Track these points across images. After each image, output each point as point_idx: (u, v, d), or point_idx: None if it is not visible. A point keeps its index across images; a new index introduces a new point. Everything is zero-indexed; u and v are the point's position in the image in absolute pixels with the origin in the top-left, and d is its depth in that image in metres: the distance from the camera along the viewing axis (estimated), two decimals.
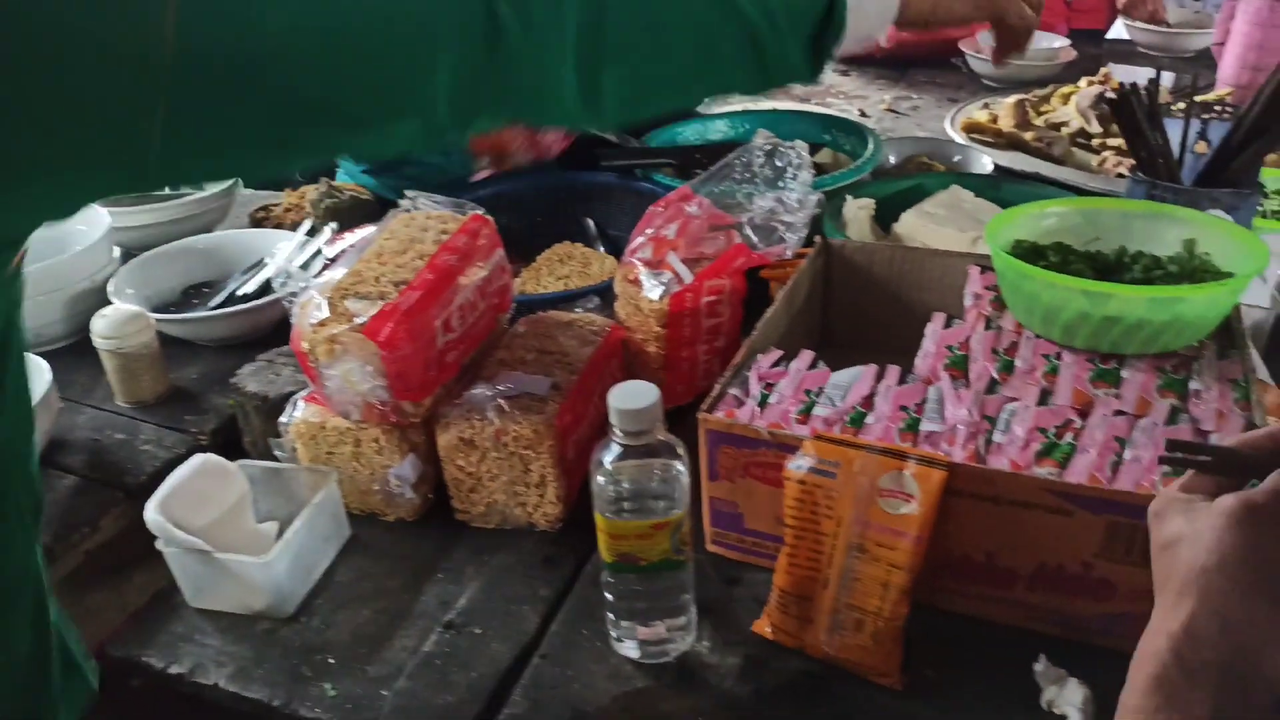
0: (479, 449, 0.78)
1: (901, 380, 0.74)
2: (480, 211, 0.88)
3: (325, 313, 0.74)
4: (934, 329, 0.81)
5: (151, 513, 0.72)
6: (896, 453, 0.62)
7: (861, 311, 0.97)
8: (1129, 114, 1.08)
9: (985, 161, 1.35)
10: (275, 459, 0.84)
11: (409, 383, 0.76)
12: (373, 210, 1.24)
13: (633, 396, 0.58)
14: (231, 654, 0.72)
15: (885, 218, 1.15)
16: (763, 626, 0.67)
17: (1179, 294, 0.69)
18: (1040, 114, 1.62)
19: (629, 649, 0.67)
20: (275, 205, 1.30)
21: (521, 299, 0.97)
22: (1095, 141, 1.50)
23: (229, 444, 0.90)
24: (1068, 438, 0.65)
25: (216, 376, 0.99)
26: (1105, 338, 0.72)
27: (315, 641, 0.72)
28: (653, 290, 0.89)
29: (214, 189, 1.29)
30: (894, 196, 1.17)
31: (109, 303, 1.00)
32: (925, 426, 0.68)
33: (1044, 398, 0.70)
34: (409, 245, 0.82)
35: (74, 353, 1.01)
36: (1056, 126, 1.56)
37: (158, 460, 0.87)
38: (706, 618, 0.70)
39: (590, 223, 1.22)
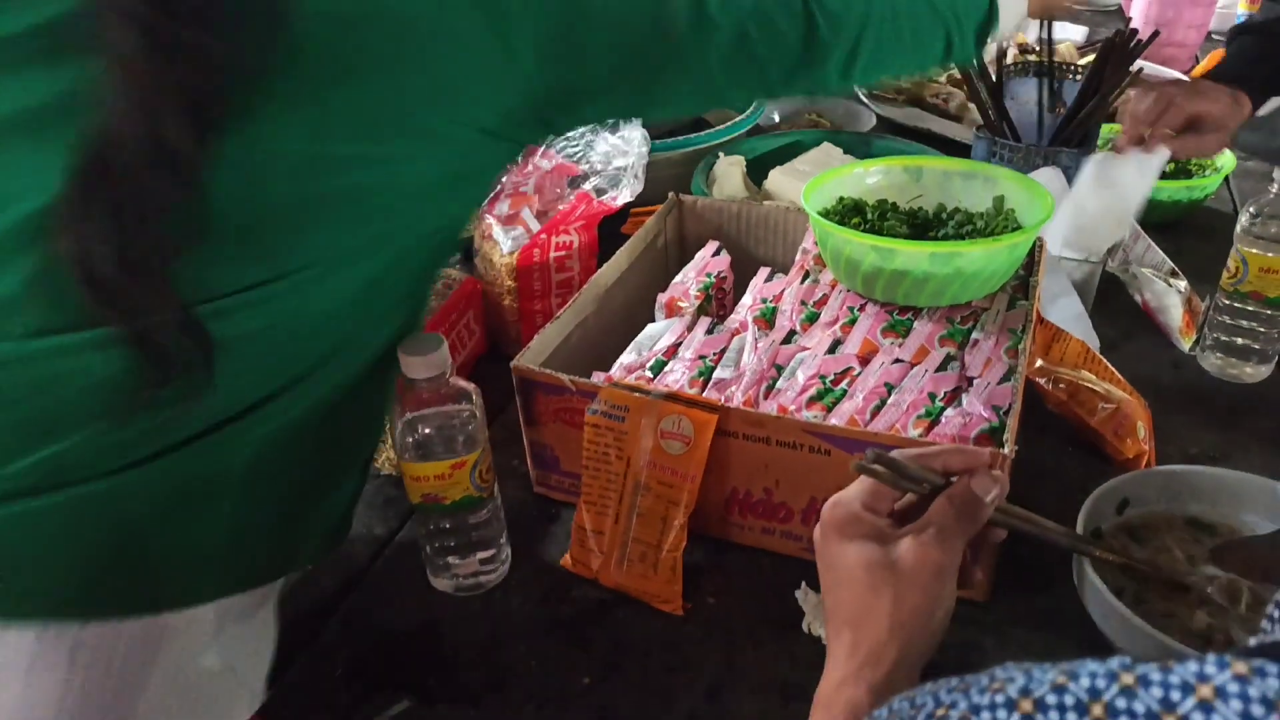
0: None
1: (709, 331, 0.78)
2: None
3: None
4: (756, 282, 0.86)
5: None
6: (676, 398, 0.67)
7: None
8: (969, 75, 1.12)
9: (867, 118, 1.38)
10: None
11: None
12: None
13: (418, 346, 0.62)
14: None
15: (765, 176, 1.18)
16: (565, 559, 0.73)
17: (956, 249, 0.74)
18: (945, 70, 1.64)
19: (443, 584, 0.72)
20: None
21: None
22: None
23: None
24: (843, 385, 0.70)
25: None
26: (898, 290, 0.77)
27: None
28: (505, 244, 0.93)
29: None
30: (772, 154, 1.21)
31: None
32: (717, 374, 0.73)
33: (833, 347, 0.74)
34: None
35: None
36: (958, 83, 1.59)
37: None
38: (526, 555, 0.75)
39: None
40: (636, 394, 0.68)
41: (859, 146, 1.19)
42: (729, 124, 1.22)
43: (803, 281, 0.84)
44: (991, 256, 0.74)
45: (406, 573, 0.75)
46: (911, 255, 0.74)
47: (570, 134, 0.96)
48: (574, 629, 0.68)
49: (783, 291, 0.83)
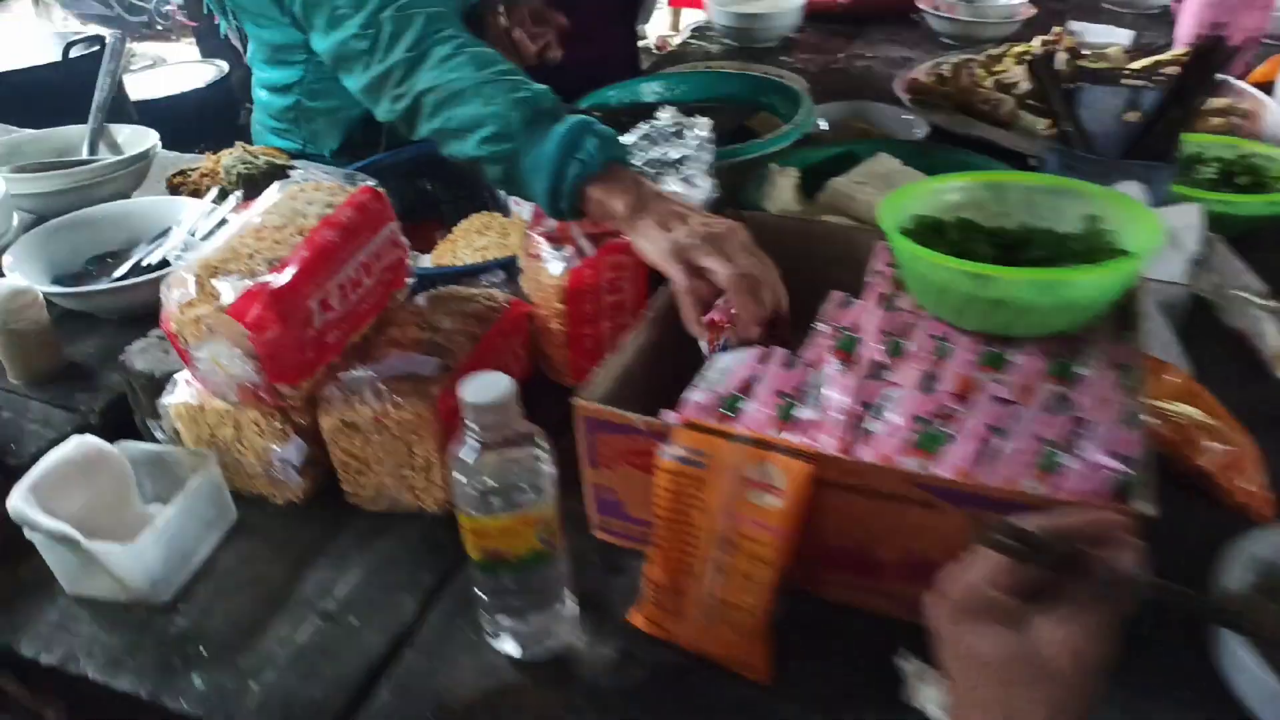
0: (362, 433, 0.76)
1: (787, 365, 0.72)
2: (371, 183, 0.85)
3: (192, 292, 0.72)
4: (829, 308, 0.79)
5: (16, 499, 0.70)
6: (765, 443, 0.61)
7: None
8: (1046, 81, 1.05)
9: (918, 127, 1.31)
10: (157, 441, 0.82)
11: (283, 365, 0.73)
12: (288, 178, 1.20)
13: (484, 389, 0.56)
14: (104, 644, 0.70)
15: (817, 186, 1.12)
16: (637, 617, 0.66)
17: (1065, 277, 0.67)
18: (992, 74, 1.58)
19: (506, 645, 0.66)
20: (193, 170, 1.26)
21: (423, 273, 0.94)
22: (1044, 105, 1.47)
23: (119, 424, 0.88)
24: (944, 426, 0.64)
25: (114, 351, 0.96)
26: (994, 319, 0.71)
27: (190, 630, 0.71)
28: (554, 265, 0.86)
29: (129, 153, 1.25)
30: (825, 164, 1.14)
31: (2, 276, 0.97)
32: (800, 413, 0.66)
33: (927, 383, 0.68)
34: (291, 219, 0.79)
35: None
36: (1006, 88, 1.53)
37: (42, 440, 0.85)
38: (588, 608, 0.69)
39: (503, 193, 1.18)
40: (718, 437, 0.62)
41: (916, 157, 1.13)
42: (779, 134, 1.15)
43: (884, 308, 0.77)
44: (1103, 285, 0.67)
45: (461, 629, 0.68)
46: (1013, 283, 0.67)
47: (639, 151, 0.90)
48: (649, 697, 0.62)
49: (861, 319, 0.76)
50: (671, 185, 0.88)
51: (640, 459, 0.67)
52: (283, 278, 0.72)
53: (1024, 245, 0.78)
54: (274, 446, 0.78)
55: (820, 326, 0.77)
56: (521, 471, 0.59)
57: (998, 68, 1.61)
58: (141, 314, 1.01)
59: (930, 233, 0.78)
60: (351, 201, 0.81)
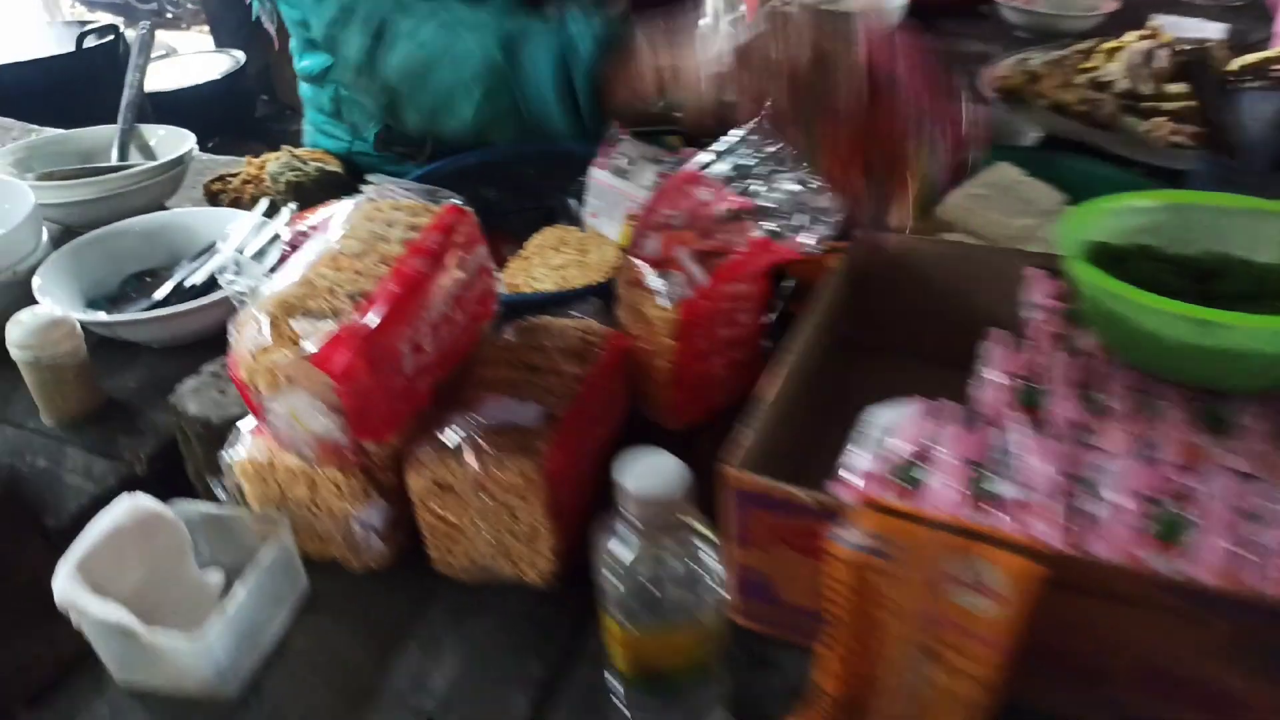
0: (457, 495, 0.66)
1: (965, 421, 0.61)
2: (457, 201, 0.74)
3: (267, 335, 0.61)
4: (996, 351, 0.68)
5: (63, 581, 0.60)
6: (968, 531, 0.50)
7: (893, 314, 0.84)
8: (1203, 83, 0.94)
9: (1027, 130, 1.20)
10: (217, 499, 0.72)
11: (371, 419, 0.63)
12: (342, 184, 1.10)
13: (650, 476, 0.45)
14: None
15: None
16: None
17: None
18: (1082, 72, 1.46)
19: None
20: (233, 175, 1.15)
21: (508, 299, 0.84)
22: (1145, 105, 1.36)
23: (170, 473, 0.77)
24: (1180, 508, 0.53)
25: (159, 385, 0.86)
26: (1208, 370, 0.60)
27: None
28: (662, 295, 0.76)
29: (163, 157, 1.15)
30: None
31: (33, 299, 0.86)
32: (998, 488, 0.56)
33: (1143, 450, 0.57)
34: (371, 246, 0.68)
35: None
36: (1101, 87, 1.42)
37: (84, 497, 0.74)
38: (732, 711, 0.58)
39: (574, 203, 1.08)
40: (910, 523, 0.51)
41: (1042, 166, 1.01)
42: None
43: (1065, 351, 0.67)
44: None
45: None
46: (1250, 331, 0.57)
47: (748, 165, 0.79)
48: None
49: (1041, 366, 0.66)
50: (805, 188, 0.77)
51: (800, 539, 0.57)
52: (371, 317, 0.62)
53: (1216, 278, 0.67)
54: (355, 509, 0.67)
55: (990, 374, 0.66)
56: (686, 571, 0.48)
57: (1086, 65, 1.50)
58: (186, 341, 0.91)
59: (1110, 264, 0.68)
60: (439, 224, 0.70)
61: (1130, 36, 1.57)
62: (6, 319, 0.82)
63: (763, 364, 0.84)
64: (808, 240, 0.74)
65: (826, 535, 0.54)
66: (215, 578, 0.70)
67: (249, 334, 0.62)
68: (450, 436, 0.65)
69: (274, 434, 0.65)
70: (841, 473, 0.58)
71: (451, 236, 0.70)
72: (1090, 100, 1.35)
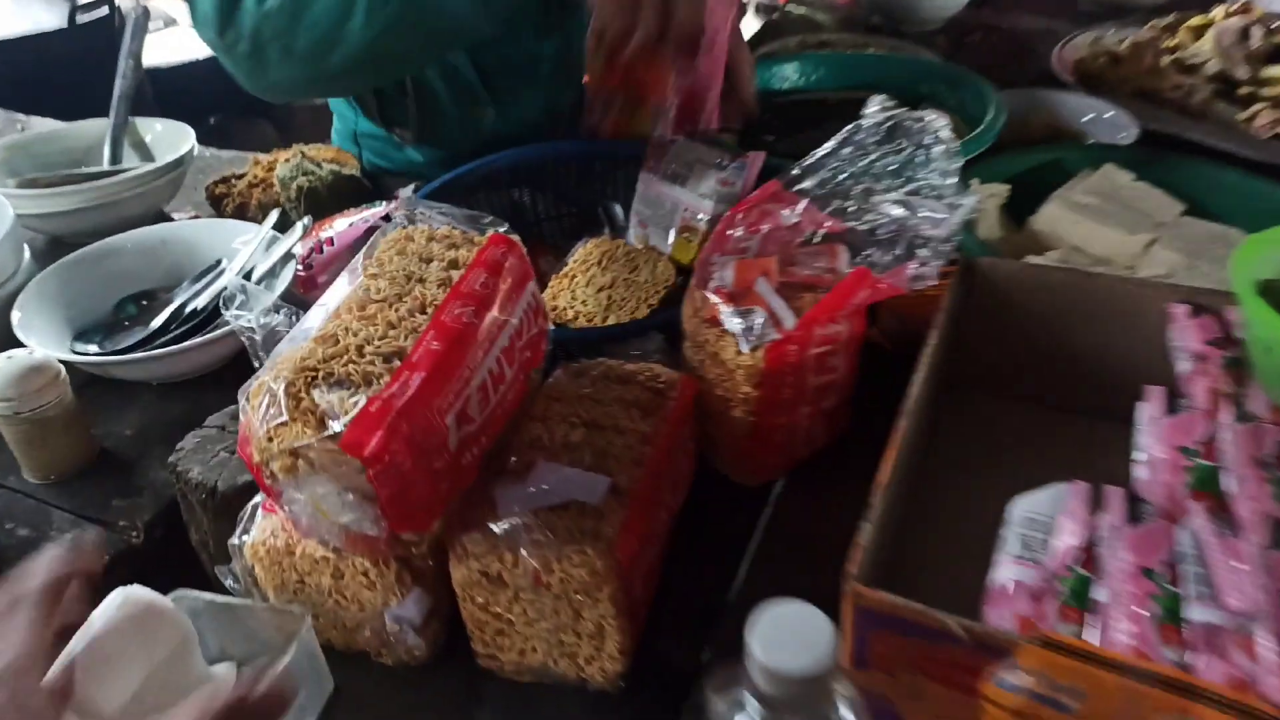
0: (510, 588, 0.56)
1: (1132, 512, 0.50)
2: (502, 229, 0.63)
3: (283, 409, 0.50)
4: (1153, 417, 0.57)
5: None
6: (1187, 687, 0.40)
7: (1003, 350, 0.73)
8: None
9: (1122, 123, 1.07)
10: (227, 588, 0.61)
11: (410, 506, 0.52)
12: (360, 191, 0.99)
13: (795, 646, 0.34)
14: None
15: (1009, 206, 0.89)
16: None
17: None
18: (1166, 52, 1.33)
19: None
20: (238, 177, 1.04)
21: (558, 335, 0.73)
22: (1242, 91, 1.23)
23: (171, 540, 0.67)
24: None
25: (159, 431, 0.75)
26: None
27: None
28: (742, 338, 0.65)
29: (161, 157, 1.04)
30: (1024, 179, 0.92)
31: (11, 334, 0.75)
32: (1193, 613, 0.45)
33: None
34: (405, 288, 0.57)
35: None
36: (1189, 69, 1.29)
37: None
38: None
39: (618, 209, 0.96)
40: (1098, 667, 0.41)
41: (1157, 170, 0.89)
42: (971, 137, 0.92)
43: (1234, 416, 0.56)
44: None
45: None
46: None
47: (840, 181, 0.67)
48: None
49: (1211, 437, 0.55)
50: (912, 211, 0.65)
51: (942, 670, 0.46)
52: (409, 386, 0.51)
53: None
54: (387, 601, 0.57)
55: (1151, 447, 0.55)
56: None
57: (1170, 43, 1.37)
58: (188, 376, 0.80)
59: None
60: (484, 259, 0.59)
61: (1218, 12, 1.43)
62: None
63: (851, 408, 0.73)
64: (920, 272, 0.62)
65: (985, 676, 0.43)
66: (226, 673, 0.60)
67: (262, 409, 0.51)
68: (504, 528, 0.54)
69: (293, 523, 0.54)
70: (992, 585, 0.47)
71: (499, 274, 0.59)
72: (1184, 86, 1.23)
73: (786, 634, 0.35)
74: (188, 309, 0.83)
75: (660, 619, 0.62)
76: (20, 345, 0.72)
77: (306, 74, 0.79)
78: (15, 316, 0.76)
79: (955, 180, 0.63)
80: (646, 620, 0.61)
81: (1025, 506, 0.51)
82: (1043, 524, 0.50)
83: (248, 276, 0.82)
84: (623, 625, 0.56)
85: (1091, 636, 0.45)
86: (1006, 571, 0.48)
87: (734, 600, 0.64)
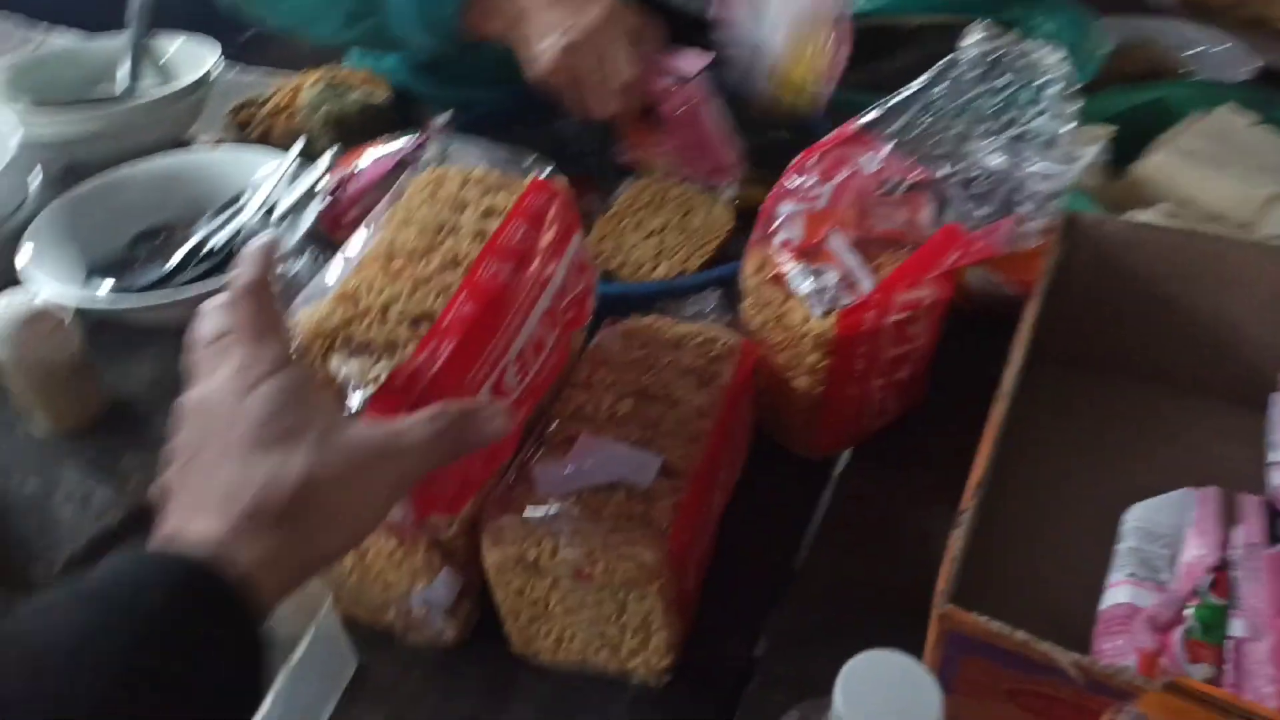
0: (548, 577, 0.50)
1: (1273, 529, 0.43)
2: (544, 173, 0.56)
3: None
4: None
5: None
6: None
7: (1108, 320, 0.65)
8: None
9: (1237, 57, 0.96)
10: None
11: (436, 490, 0.47)
12: (389, 119, 0.91)
13: (893, 715, 0.28)
14: None
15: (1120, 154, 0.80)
16: None
17: None
18: None
19: None
20: (263, 103, 0.97)
21: (606, 290, 0.66)
22: None
23: None
24: None
25: (171, 380, 0.70)
26: None
27: None
28: (812, 301, 0.57)
29: (182, 77, 0.97)
30: (1126, 119, 0.82)
31: (13, 274, 0.70)
32: None
33: None
34: (435, 240, 0.51)
35: None
36: None
37: (79, 540, 0.60)
38: None
39: None
40: (1238, 719, 0.34)
41: (1272, 109, 0.79)
42: None
43: None
44: None
45: None
46: None
47: (931, 123, 0.58)
48: None
49: None
50: (1016, 161, 0.56)
51: (1044, 705, 0.40)
52: (438, 355, 0.45)
53: None
54: (413, 584, 0.52)
55: None
56: None
57: None
58: None
59: None
60: (524, 207, 0.52)
61: None
62: None
63: (928, 378, 0.66)
64: (1021, 231, 0.54)
65: (1096, 718, 0.37)
66: None
67: None
68: (540, 506, 0.48)
69: None
70: (1105, 610, 0.41)
71: (541, 223, 0.52)
72: None
73: (883, 697, 0.29)
74: (206, 247, 0.77)
75: (711, 607, 0.56)
76: (24, 282, 0.67)
77: (292, 31, 0.84)
78: (24, 251, 0.71)
79: (1072, 126, 0.55)
80: (696, 610, 0.56)
81: (1143, 516, 0.44)
82: (1165, 538, 0.43)
83: (270, 212, 0.76)
84: (671, 620, 0.51)
85: (1228, 681, 0.38)
86: (1122, 593, 0.41)
87: (792, 589, 0.58)
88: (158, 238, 0.80)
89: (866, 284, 0.57)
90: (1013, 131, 0.56)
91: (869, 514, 0.61)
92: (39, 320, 0.62)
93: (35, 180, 0.81)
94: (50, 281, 0.69)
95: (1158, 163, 0.76)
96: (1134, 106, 0.83)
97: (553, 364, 0.54)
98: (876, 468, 0.64)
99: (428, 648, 0.56)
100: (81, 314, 0.67)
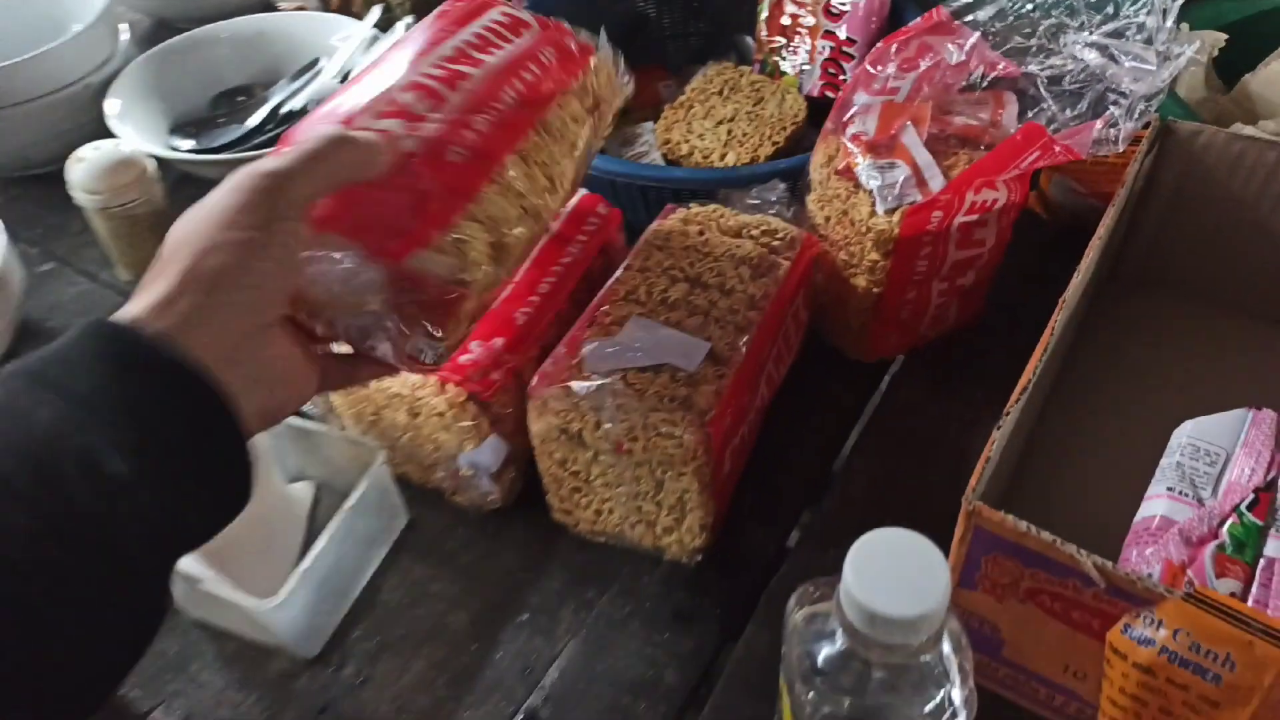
0: (589, 449, 0.52)
1: None
2: (603, 48, 0.54)
3: None
4: None
5: None
6: None
7: (1192, 239, 0.62)
8: None
9: None
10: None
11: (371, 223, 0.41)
12: None
13: (900, 590, 0.29)
14: (237, 707, 0.51)
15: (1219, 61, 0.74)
16: None
17: None
18: None
19: None
20: None
21: (668, 175, 0.65)
22: None
23: None
24: None
25: None
26: None
27: (346, 706, 0.51)
28: (878, 196, 0.56)
29: None
30: (1233, 26, 0.76)
31: (103, 122, 0.73)
32: None
33: None
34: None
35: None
36: None
37: None
38: None
39: (750, 41, 0.85)
40: (1267, 639, 0.34)
41: None
42: None
43: None
44: None
45: None
46: None
47: (1025, 12, 0.55)
48: None
49: None
50: (1111, 57, 0.53)
51: (1063, 607, 0.40)
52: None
53: None
54: (461, 446, 0.54)
55: None
56: (918, 711, 0.33)
57: None
58: None
59: None
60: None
61: None
62: (77, 137, 0.69)
63: (990, 290, 0.65)
64: (1107, 135, 0.52)
65: (1114, 623, 0.37)
66: (304, 492, 0.59)
67: None
68: (586, 380, 0.50)
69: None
70: (1138, 520, 0.41)
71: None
72: None
73: (892, 571, 0.29)
74: (283, 109, 0.79)
75: (749, 496, 0.57)
76: (111, 135, 0.69)
77: None
78: (113, 104, 0.73)
79: (1172, 23, 0.51)
80: (733, 496, 0.57)
81: (1194, 432, 0.43)
82: (1213, 455, 0.42)
83: (345, 78, 0.77)
84: (706, 501, 0.52)
85: (1254, 598, 0.38)
86: (1158, 506, 0.41)
87: (830, 487, 0.59)
88: (237, 98, 0.81)
89: (936, 182, 0.55)
90: (1110, 25, 0.53)
91: (915, 422, 0.61)
92: (124, 169, 0.64)
93: (124, 35, 0.82)
94: (135, 134, 0.71)
95: (1273, 75, 0.71)
96: (1250, 16, 0.77)
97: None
98: (927, 377, 0.63)
99: (473, 510, 0.59)
100: (163, 167, 0.69)
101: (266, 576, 0.51)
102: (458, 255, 0.43)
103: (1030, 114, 0.57)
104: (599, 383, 0.49)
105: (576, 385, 0.50)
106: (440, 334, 0.42)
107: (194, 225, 0.35)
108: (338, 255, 0.40)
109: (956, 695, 0.32)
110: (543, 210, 0.49)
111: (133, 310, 0.33)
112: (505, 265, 0.46)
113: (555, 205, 0.51)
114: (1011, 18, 0.56)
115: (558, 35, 0.53)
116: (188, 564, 0.49)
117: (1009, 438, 0.43)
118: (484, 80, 0.47)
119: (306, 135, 0.39)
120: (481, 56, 0.48)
